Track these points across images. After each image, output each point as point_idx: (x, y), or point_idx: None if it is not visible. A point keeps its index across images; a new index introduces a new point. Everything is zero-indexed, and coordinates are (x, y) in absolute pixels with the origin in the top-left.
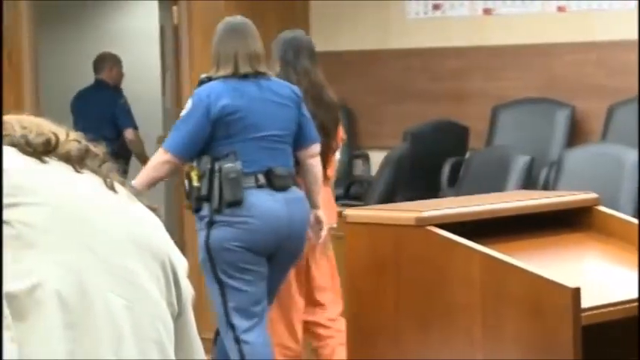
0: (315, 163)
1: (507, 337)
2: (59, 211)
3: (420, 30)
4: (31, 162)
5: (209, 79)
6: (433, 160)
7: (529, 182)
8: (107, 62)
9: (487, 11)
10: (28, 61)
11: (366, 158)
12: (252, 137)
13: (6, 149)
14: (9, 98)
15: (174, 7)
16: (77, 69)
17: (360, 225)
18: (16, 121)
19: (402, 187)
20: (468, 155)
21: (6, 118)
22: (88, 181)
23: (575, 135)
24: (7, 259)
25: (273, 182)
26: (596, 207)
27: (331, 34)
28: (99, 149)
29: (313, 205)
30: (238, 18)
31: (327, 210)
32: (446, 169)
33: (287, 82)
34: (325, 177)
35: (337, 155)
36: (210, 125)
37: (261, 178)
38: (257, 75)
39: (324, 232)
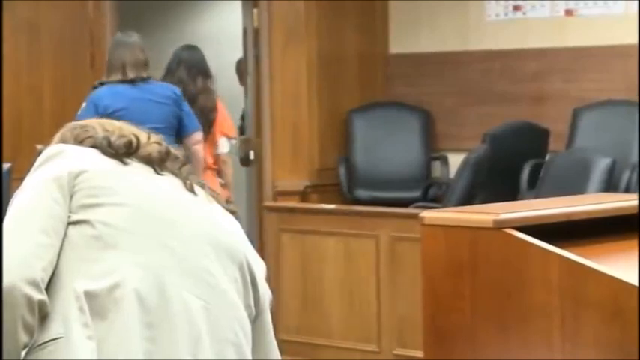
0: (198, 149)
1: (586, 341)
2: (139, 211)
3: (499, 31)
4: (113, 163)
5: (101, 83)
6: (512, 163)
7: (610, 185)
8: None
9: (569, 12)
10: None
11: (444, 160)
12: None
13: (89, 150)
14: None
15: (255, 10)
16: (160, 73)
17: (437, 227)
18: (97, 124)
19: (480, 190)
20: (547, 157)
21: (88, 121)
22: (168, 183)
23: None
24: (89, 257)
25: None
26: None
27: (410, 36)
28: (179, 152)
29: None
30: (129, 33)
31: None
32: (525, 172)
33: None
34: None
35: (224, 148)
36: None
37: None
38: (141, 79)
39: None
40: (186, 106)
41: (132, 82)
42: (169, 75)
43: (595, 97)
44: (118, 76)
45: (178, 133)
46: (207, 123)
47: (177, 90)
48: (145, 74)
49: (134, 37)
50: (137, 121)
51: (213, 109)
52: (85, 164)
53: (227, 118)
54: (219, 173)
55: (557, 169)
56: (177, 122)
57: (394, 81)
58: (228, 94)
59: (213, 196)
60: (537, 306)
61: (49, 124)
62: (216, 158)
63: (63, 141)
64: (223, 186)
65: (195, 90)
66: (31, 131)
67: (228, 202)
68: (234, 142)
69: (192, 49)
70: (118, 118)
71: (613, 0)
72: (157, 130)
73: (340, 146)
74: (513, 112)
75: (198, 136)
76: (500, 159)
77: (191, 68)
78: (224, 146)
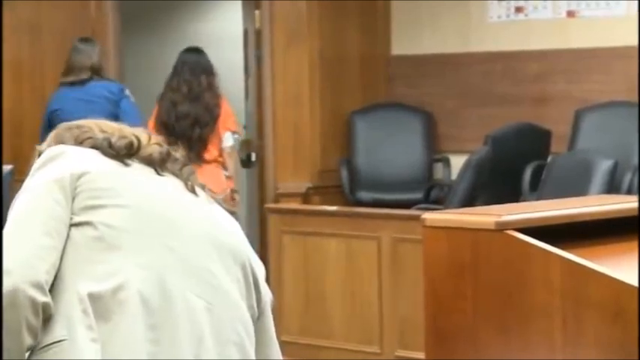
0: None
1: (587, 342)
2: (141, 212)
3: (501, 33)
4: (114, 164)
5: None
6: (514, 164)
7: (612, 187)
8: None
9: (570, 14)
10: (113, 66)
11: (446, 162)
12: None
13: (90, 152)
14: None
15: (257, 12)
16: (162, 73)
17: (439, 229)
18: (94, 124)
19: (482, 191)
20: (549, 159)
21: (82, 121)
22: (170, 184)
23: None
24: (91, 259)
25: None
26: None
27: (412, 38)
28: (179, 153)
29: None
30: (84, 37)
31: (211, 185)
32: (527, 173)
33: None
34: (203, 159)
35: (228, 142)
36: (48, 122)
37: None
38: (79, 82)
39: None
40: (126, 104)
41: (71, 84)
42: (176, 76)
43: (597, 98)
44: (67, 79)
45: None
46: (212, 119)
47: (116, 89)
48: (85, 77)
49: (89, 44)
50: (71, 120)
51: (217, 106)
52: (86, 165)
53: (230, 114)
54: (224, 166)
55: (559, 170)
56: (114, 120)
57: (396, 82)
58: (229, 94)
59: (213, 197)
60: (539, 307)
61: None
62: (221, 152)
63: (60, 141)
64: (228, 178)
65: (199, 88)
66: (33, 132)
67: (233, 191)
68: (237, 136)
69: (195, 50)
70: (56, 118)
71: (615, 0)
72: None
73: (342, 148)
74: (515, 113)
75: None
76: (502, 160)
77: (195, 68)
78: (228, 140)
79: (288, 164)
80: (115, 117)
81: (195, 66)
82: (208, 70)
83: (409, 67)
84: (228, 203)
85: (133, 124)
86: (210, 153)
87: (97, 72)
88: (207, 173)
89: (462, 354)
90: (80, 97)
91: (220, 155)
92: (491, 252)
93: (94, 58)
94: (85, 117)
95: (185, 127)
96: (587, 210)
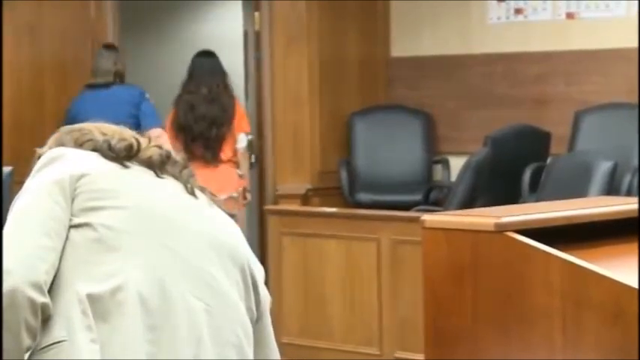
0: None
1: (587, 343)
2: (141, 214)
3: (501, 34)
4: (113, 166)
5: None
6: (514, 166)
7: (612, 188)
8: None
9: (570, 15)
10: None
11: (445, 163)
12: None
13: (89, 154)
14: None
15: (256, 13)
16: (161, 74)
17: (438, 230)
18: (94, 127)
19: (482, 193)
20: (549, 161)
21: (83, 125)
22: (169, 186)
23: None
24: (91, 260)
25: None
26: None
27: (412, 39)
28: (179, 156)
29: None
30: (107, 44)
31: (226, 183)
32: (527, 175)
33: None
34: (219, 159)
35: (242, 143)
36: (69, 123)
37: None
38: (103, 85)
39: None
40: (146, 107)
41: (94, 87)
42: (194, 79)
43: (597, 100)
44: (91, 81)
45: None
46: (228, 119)
47: (137, 93)
48: (109, 81)
49: (112, 50)
50: (92, 121)
51: (232, 107)
52: (86, 167)
53: (244, 116)
54: (237, 165)
55: (558, 172)
56: (137, 121)
57: (395, 84)
58: None
59: (213, 200)
60: (538, 309)
61: (51, 126)
62: (235, 152)
63: (60, 144)
64: (241, 177)
65: (217, 90)
66: (32, 134)
67: (245, 190)
68: (250, 137)
69: (209, 54)
70: (76, 120)
71: (615, 1)
72: None
73: (341, 149)
74: (515, 115)
75: (155, 132)
76: (502, 162)
77: (213, 70)
78: (242, 141)
79: (288, 166)
80: (136, 119)
81: (212, 68)
82: (224, 72)
83: (409, 69)
84: (240, 202)
85: (151, 124)
86: (225, 153)
87: (120, 77)
88: (223, 173)
89: (462, 355)
90: (102, 100)
91: (234, 155)
92: (490, 253)
93: (118, 63)
94: (105, 119)
95: (203, 128)
96: (586, 211)
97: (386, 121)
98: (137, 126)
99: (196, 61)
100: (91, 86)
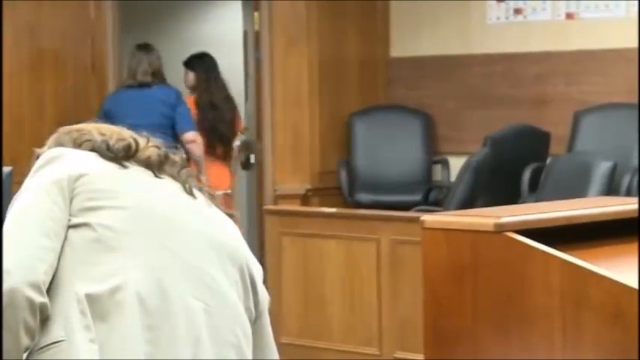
0: (191, 148)
1: (588, 344)
2: (139, 214)
3: (500, 35)
4: (112, 167)
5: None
6: (514, 166)
7: (611, 188)
8: None
9: (570, 15)
10: (111, 68)
11: (445, 164)
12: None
13: (88, 154)
14: (93, 105)
15: (256, 13)
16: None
17: (438, 231)
18: (93, 128)
19: (481, 193)
20: (549, 161)
21: (83, 125)
22: (168, 186)
23: None
24: (89, 260)
25: None
26: None
27: (411, 40)
28: (177, 156)
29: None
30: (142, 44)
31: (220, 178)
32: (526, 175)
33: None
34: (216, 155)
35: (238, 141)
36: (102, 121)
37: None
38: (144, 85)
39: None
40: (182, 108)
41: (130, 87)
42: (212, 81)
43: (596, 100)
44: (128, 82)
45: (174, 131)
46: (233, 118)
47: (173, 94)
48: (146, 80)
49: (149, 50)
50: (129, 120)
51: (236, 108)
52: (84, 167)
53: (239, 114)
54: (230, 163)
55: (558, 172)
56: (170, 122)
57: (395, 84)
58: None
59: (212, 200)
60: (538, 309)
61: (50, 126)
62: (230, 150)
63: (59, 144)
64: (231, 174)
65: (228, 89)
66: (32, 134)
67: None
68: (243, 136)
69: (208, 55)
70: (112, 118)
71: (615, 1)
72: (144, 128)
73: (341, 149)
74: (514, 115)
75: (191, 135)
76: (502, 162)
77: (219, 71)
78: (239, 139)
79: (287, 166)
80: (171, 119)
81: (218, 69)
82: (219, 73)
83: (408, 69)
84: (229, 202)
85: (187, 127)
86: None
87: (158, 76)
88: (222, 170)
89: (462, 355)
90: (135, 101)
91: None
92: (490, 254)
93: (155, 63)
94: (139, 119)
95: (225, 129)
96: (586, 212)
97: (386, 122)
98: (171, 127)
99: (208, 63)
100: (126, 87)
